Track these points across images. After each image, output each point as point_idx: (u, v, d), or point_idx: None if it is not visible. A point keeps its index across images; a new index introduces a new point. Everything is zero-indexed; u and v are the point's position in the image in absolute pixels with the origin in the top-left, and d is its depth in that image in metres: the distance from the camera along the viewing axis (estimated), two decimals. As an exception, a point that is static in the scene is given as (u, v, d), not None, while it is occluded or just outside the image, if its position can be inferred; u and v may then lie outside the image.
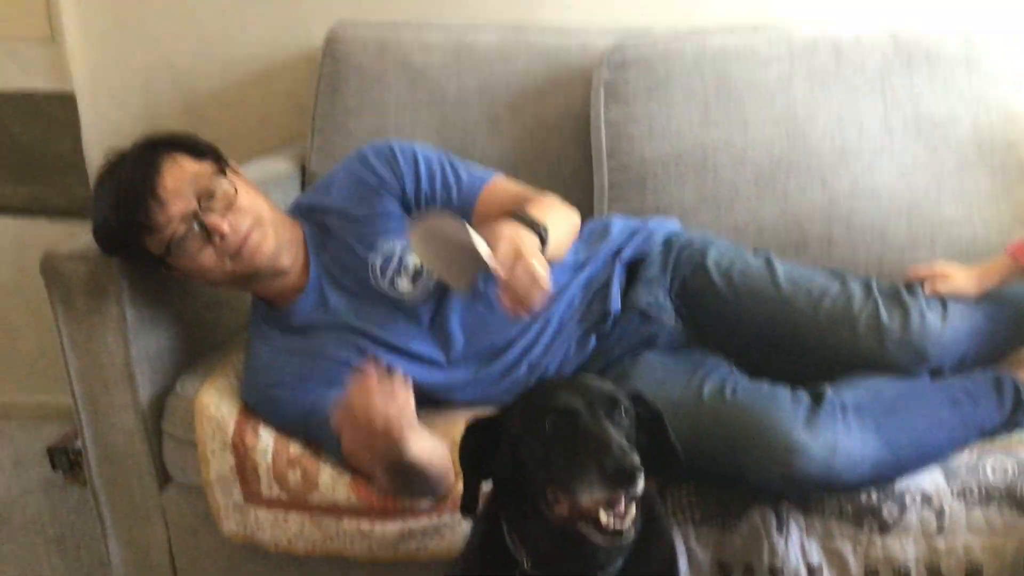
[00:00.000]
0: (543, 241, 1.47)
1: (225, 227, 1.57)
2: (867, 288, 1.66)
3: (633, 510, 1.16)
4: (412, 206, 1.72)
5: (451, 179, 1.73)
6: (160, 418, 1.78)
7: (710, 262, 1.70)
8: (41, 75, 2.56)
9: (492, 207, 1.66)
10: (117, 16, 2.50)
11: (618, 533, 1.15)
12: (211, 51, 2.50)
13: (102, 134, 2.58)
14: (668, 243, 1.76)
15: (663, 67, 1.97)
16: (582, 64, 2.08)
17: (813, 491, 1.49)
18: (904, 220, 1.88)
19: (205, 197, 1.58)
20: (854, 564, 1.50)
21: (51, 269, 1.69)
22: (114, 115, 2.57)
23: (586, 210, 1.99)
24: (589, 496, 1.14)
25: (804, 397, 1.49)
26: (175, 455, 1.76)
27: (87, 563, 2.22)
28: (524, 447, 1.21)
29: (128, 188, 1.57)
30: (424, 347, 1.66)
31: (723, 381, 1.54)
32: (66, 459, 2.50)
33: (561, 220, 1.62)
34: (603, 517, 1.15)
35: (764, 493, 1.50)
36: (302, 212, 1.76)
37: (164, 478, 1.81)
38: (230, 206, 1.59)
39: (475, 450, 1.28)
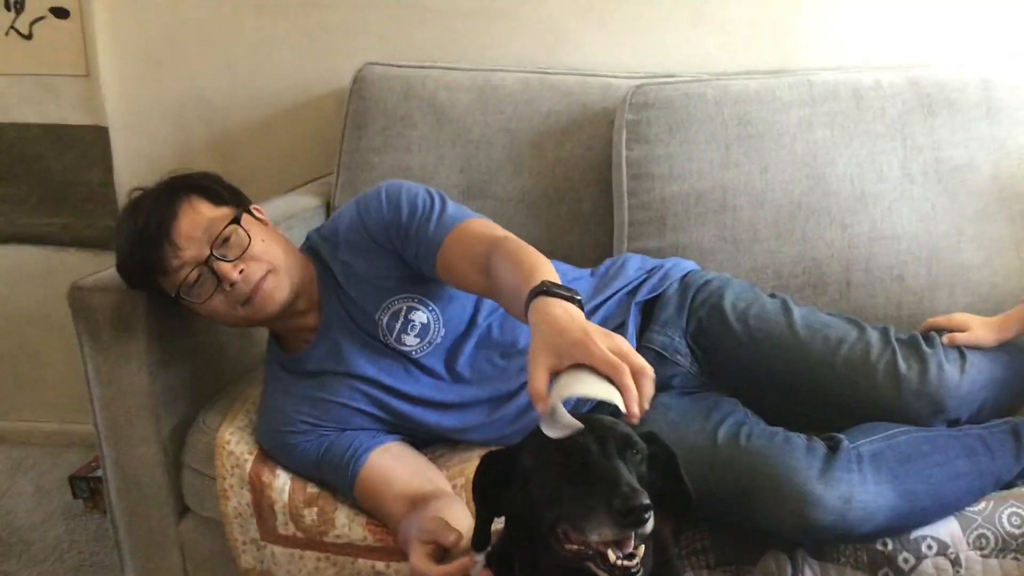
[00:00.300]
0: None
1: (235, 276, 1.58)
2: (885, 336, 1.63)
3: (642, 549, 1.15)
4: (398, 246, 1.66)
5: (429, 215, 1.64)
6: (181, 450, 1.80)
7: (727, 304, 1.69)
8: (76, 108, 2.62)
9: (457, 246, 1.58)
10: (151, 52, 2.55)
11: (627, 571, 1.14)
12: (242, 87, 2.54)
13: (133, 166, 2.62)
14: (684, 283, 1.75)
15: (685, 108, 1.99)
16: (604, 105, 2.11)
17: (827, 541, 1.48)
18: (923, 265, 1.88)
19: (219, 244, 1.59)
20: (870, 611, 1.49)
21: (78, 301, 1.73)
22: (145, 148, 2.62)
23: (606, 249, 2.01)
24: (598, 535, 1.12)
25: (819, 446, 1.47)
26: (194, 488, 1.78)
27: (104, 591, 2.24)
28: (535, 482, 1.21)
29: (144, 230, 1.59)
30: (437, 394, 1.67)
31: (738, 426, 1.52)
32: (87, 487, 2.52)
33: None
34: (611, 556, 1.14)
35: (777, 540, 1.49)
36: (313, 251, 1.75)
37: (182, 509, 1.82)
38: (243, 254, 1.59)
39: (489, 484, 1.27)
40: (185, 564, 1.83)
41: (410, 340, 1.66)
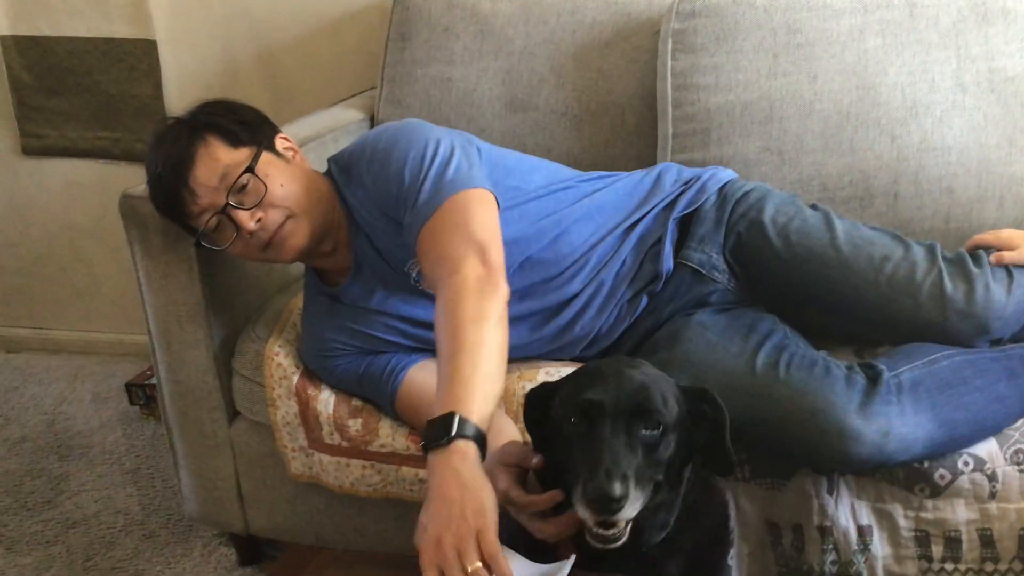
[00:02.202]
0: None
1: (252, 225, 1.55)
2: (931, 255, 1.59)
3: (622, 525, 1.14)
4: (398, 215, 1.59)
5: (408, 199, 1.55)
6: (231, 357, 1.84)
7: (767, 219, 1.64)
8: (124, 22, 2.63)
9: (423, 257, 1.52)
10: (197, -35, 2.55)
11: (603, 539, 1.15)
12: (286, 1, 2.53)
13: (181, 81, 2.64)
14: (722, 195, 1.70)
15: (732, 16, 1.95)
16: (649, 14, 2.07)
17: (864, 471, 1.48)
18: (973, 176, 1.84)
19: (235, 191, 1.55)
20: (904, 526, 1.50)
21: (129, 208, 1.76)
22: (193, 62, 2.63)
23: (649, 163, 1.98)
24: (577, 508, 1.14)
25: (859, 378, 1.45)
26: (244, 393, 1.82)
27: (161, 492, 2.32)
28: (552, 433, 1.22)
29: (162, 176, 1.59)
30: None
31: (778, 351, 1.50)
32: (143, 394, 2.60)
33: (485, 354, 1.34)
34: (589, 522, 1.15)
35: (815, 469, 1.50)
36: (335, 184, 1.67)
37: (233, 413, 1.88)
38: (261, 201, 1.56)
39: (532, 422, 1.28)
40: (236, 466, 1.89)
41: None
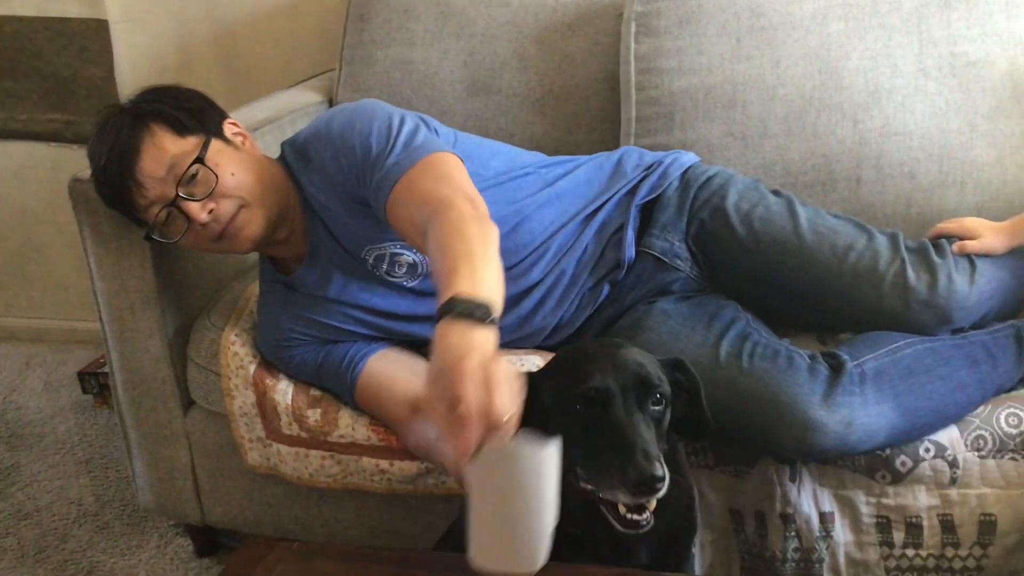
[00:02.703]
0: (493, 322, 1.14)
1: (204, 216, 1.50)
2: (894, 244, 1.60)
3: (653, 503, 1.14)
4: (359, 195, 1.54)
5: (376, 162, 1.49)
6: (185, 345, 1.80)
7: (730, 206, 1.63)
8: (75, 2, 2.57)
9: (401, 208, 1.43)
10: (150, -58, 2.50)
11: (636, 524, 1.14)
12: (244, -21, 2.49)
13: (135, 61, 2.59)
14: (685, 180, 1.69)
15: (696, 0, 1.94)
16: (612, -3, 2.05)
17: (828, 461, 1.49)
18: (935, 161, 1.84)
19: (185, 182, 1.50)
20: (866, 512, 1.51)
21: (79, 193, 1.71)
22: (146, 42, 2.58)
23: (613, 147, 1.97)
24: (611, 496, 1.14)
25: (822, 368, 1.45)
26: (199, 382, 1.79)
27: (115, 482, 2.28)
28: (555, 420, 1.19)
29: (107, 167, 1.53)
30: (433, 310, 1.61)
31: (741, 340, 1.50)
32: (96, 383, 2.55)
33: (492, 257, 1.26)
34: (622, 509, 1.14)
35: (778, 458, 1.50)
36: (289, 169, 1.62)
37: (188, 403, 1.84)
38: (212, 192, 1.50)
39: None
40: (192, 456, 1.86)
41: (399, 274, 1.60)
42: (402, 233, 1.47)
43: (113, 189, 1.55)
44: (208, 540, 2.02)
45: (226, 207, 1.52)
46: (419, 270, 1.60)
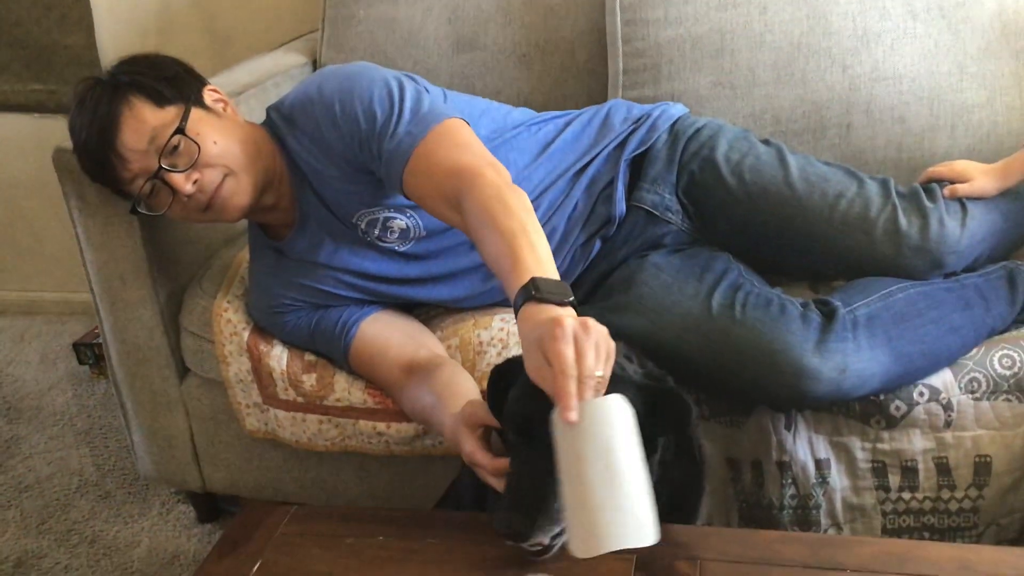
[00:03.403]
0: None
1: (189, 187, 1.47)
2: (885, 190, 1.59)
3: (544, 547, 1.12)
4: (368, 163, 1.52)
5: (386, 130, 1.47)
6: (178, 313, 1.80)
7: (720, 156, 1.62)
8: (53, -31, 2.54)
9: (423, 179, 1.43)
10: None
11: (522, 549, 1.12)
12: (222, -59, 2.46)
13: (115, 27, 2.56)
14: (674, 132, 1.68)
15: (680, -52, 1.91)
16: (597, -53, 2.02)
17: (822, 408, 1.50)
18: (925, 105, 1.83)
19: (167, 153, 1.47)
20: (861, 458, 1.52)
21: (63, 163, 1.70)
22: (125, 7, 2.54)
23: (601, 98, 1.95)
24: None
25: (815, 316, 1.45)
26: (193, 350, 1.79)
27: (115, 452, 2.29)
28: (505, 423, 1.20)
29: (88, 143, 1.50)
30: (426, 271, 1.62)
31: (733, 291, 1.50)
32: (91, 353, 2.55)
33: (539, 227, 1.29)
34: None
35: (773, 407, 1.50)
36: (276, 135, 1.59)
37: (183, 371, 1.84)
38: (195, 162, 1.47)
39: (498, 395, 1.24)
40: (190, 423, 1.86)
41: (390, 239, 1.59)
42: (423, 203, 1.46)
43: (96, 164, 1.52)
44: (210, 506, 2.04)
45: (211, 176, 1.49)
46: (411, 235, 1.59)
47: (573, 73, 2.04)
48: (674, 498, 1.20)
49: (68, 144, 1.68)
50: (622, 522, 1.01)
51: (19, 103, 2.71)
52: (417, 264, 1.61)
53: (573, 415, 1.02)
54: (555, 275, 1.19)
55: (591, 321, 1.08)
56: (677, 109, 1.74)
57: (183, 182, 1.47)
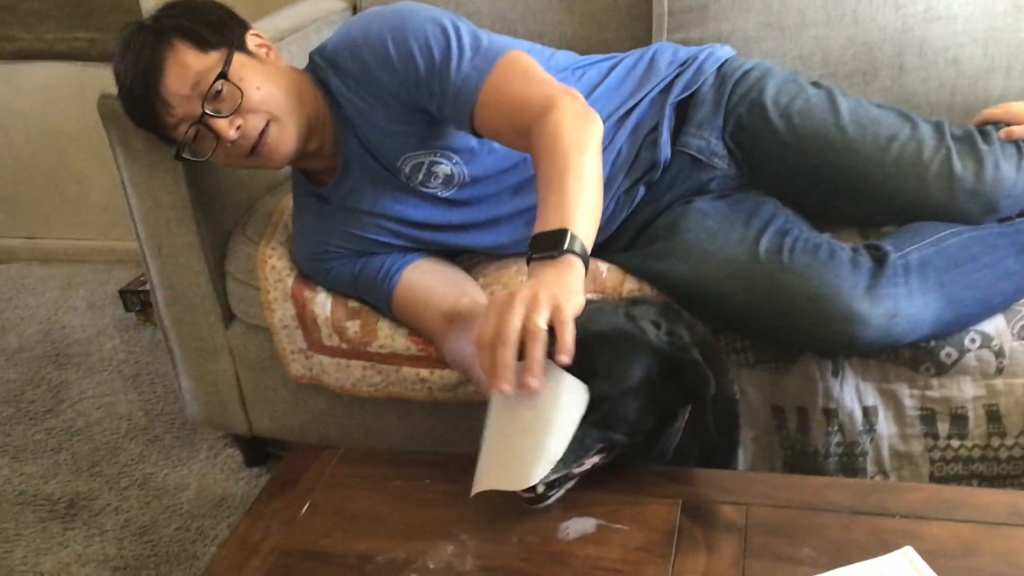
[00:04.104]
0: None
1: (232, 133, 1.47)
2: (939, 133, 1.54)
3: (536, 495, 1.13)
4: (424, 104, 1.51)
5: (447, 68, 1.46)
6: (224, 259, 1.81)
7: (768, 99, 1.59)
8: (91, -85, 2.54)
9: (495, 114, 1.43)
10: None
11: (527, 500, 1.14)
12: None
13: (155, -25, 2.55)
14: (721, 75, 1.64)
15: None
16: None
17: (871, 354, 1.47)
18: (979, 46, 1.78)
19: (210, 99, 1.46)
20: (909, 405, 1.50)
21: (108, 110, 1.70)
22: (166, -45, 2.53)
23: (645, 41, 1.92)
24: None
25: (865, 260, 1.42)
26: (239, 296, 1.80)
27: (163, 396, 2.32)
28: None
29: (132, 89, 1.50)
30: (469, 217, 1.61)
31: (781, 236, 1.47)
32: (138, 300, 2.58)
33: (589, 181, 1.29)
34: None
35: (820, 353, 1.49)
36: (319, 79, 1.58)
37: (229, 316, 1.85)
38: (238, 107, 1.47)
39: None
40: (236, 368, 1.88)
41: (434, 184, 1.58)
42: (496, 137, 1.47)
43: (140, 109, 1.53)
44: (256, 450, 2.07)
45: (254, 122, 1.49)
46: (455, 181, 1.58)
47: (616, 16, 2.01)
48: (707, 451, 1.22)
49: (113, 91, 1.68)
50: (507, 466, 1.08)
51: (62, 51, 2.72)
52: (460, 210, 1.60)
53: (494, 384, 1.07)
54: (573, 220, 1.21)
55: (570, 295, 1.11)
56: (724, 51, 1.70)
57: (226, 128, 1.47)
